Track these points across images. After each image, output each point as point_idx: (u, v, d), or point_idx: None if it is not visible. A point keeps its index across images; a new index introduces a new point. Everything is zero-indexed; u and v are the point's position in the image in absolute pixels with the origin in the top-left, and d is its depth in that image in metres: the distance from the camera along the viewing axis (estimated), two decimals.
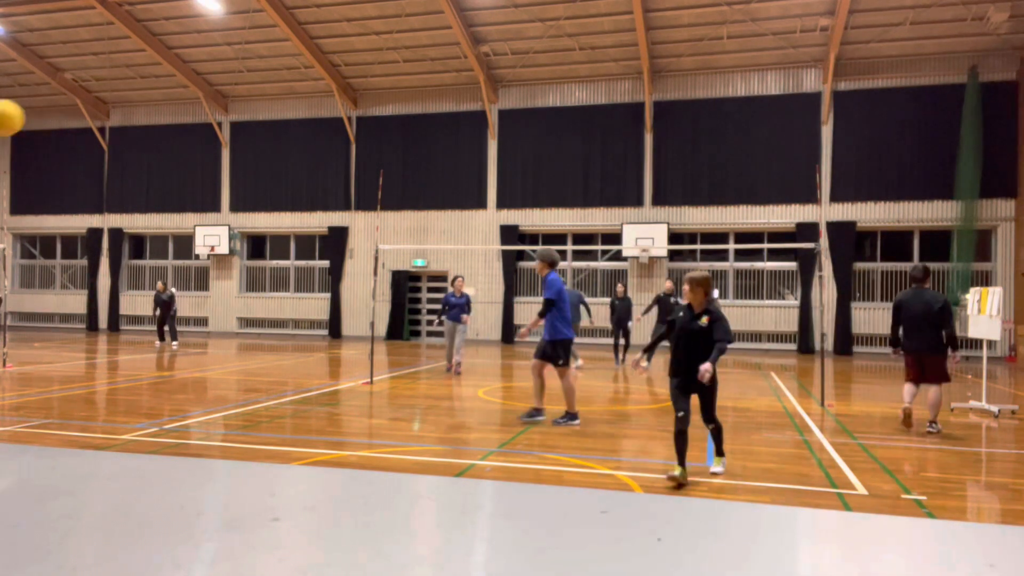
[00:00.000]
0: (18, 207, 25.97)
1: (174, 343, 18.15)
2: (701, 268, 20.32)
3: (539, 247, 20.97)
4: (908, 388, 8.08)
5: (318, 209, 23.08)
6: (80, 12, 20.33)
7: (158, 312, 18.36)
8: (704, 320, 5.66)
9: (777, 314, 19.90)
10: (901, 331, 8.08)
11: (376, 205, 21.14)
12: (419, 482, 1.04)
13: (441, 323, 13.17)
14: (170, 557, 0.77)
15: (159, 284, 18.63)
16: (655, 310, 14.54)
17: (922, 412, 8.44)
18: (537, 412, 8.26)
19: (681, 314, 5.85)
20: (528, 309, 21.07)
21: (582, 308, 13.50)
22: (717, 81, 20.17)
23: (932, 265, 19.14)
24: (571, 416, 8.10)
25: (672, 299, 13.90)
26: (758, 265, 20.38)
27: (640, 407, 9.71)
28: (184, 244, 24.75)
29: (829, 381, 12.71)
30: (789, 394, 11.05)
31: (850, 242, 19.23)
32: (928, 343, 7.87)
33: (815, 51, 19.13)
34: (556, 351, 8.21)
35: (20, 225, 25.92)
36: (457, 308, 12.89)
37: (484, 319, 21.44)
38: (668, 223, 19.92)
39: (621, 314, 15.11)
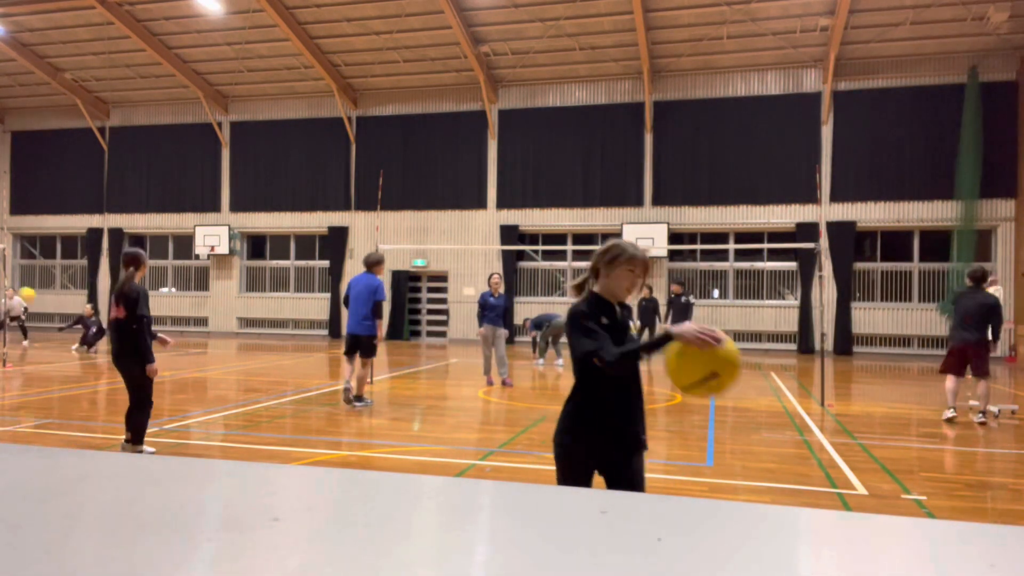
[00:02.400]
0: (18, 207, 25.97)
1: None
2: (701, 268, 20.50)
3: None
4: (950, 383, 8.79)
5: (318, 209, 23.08)
6: (80, 12, 20.32)
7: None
8: None
9: (777, 314, 19.90)
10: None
11: (376, 205, 21.15)
12: (419, 482, 1.04)
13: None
14: (170, 557, 0.77)
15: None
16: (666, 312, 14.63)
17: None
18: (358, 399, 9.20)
19: None
20: (528, 309, 21.05)
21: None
22: (717, 81, 20.16)
23: (932, 265, 19.17)
24: (357, 398, 9.10)
25: (683, 299, 14.04)
26: (758, 265, 20.37)
27: None
28: (184, 244, 24.74)
29: (829, 381, 12.72)
30: (789, 394, 11.05)
31: (850, 242, 19.23)
32: (976, 338, 8.64)
33: (815, 51, 19.13)
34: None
35: (20, 225, 25.92)
36: (498, 310, 11.39)
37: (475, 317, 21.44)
38: (668, 223, 19.93)
39: (648, 315, 15.42)
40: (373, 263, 9.14)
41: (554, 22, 18.82)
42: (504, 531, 0.93)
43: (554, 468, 3.07)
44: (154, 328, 6.37)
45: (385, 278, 21.96)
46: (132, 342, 5.96)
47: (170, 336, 8.19)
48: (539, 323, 15.60)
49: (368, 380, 9.69)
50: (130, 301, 5.95)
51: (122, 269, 6.18)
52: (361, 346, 9.11)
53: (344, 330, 9.75)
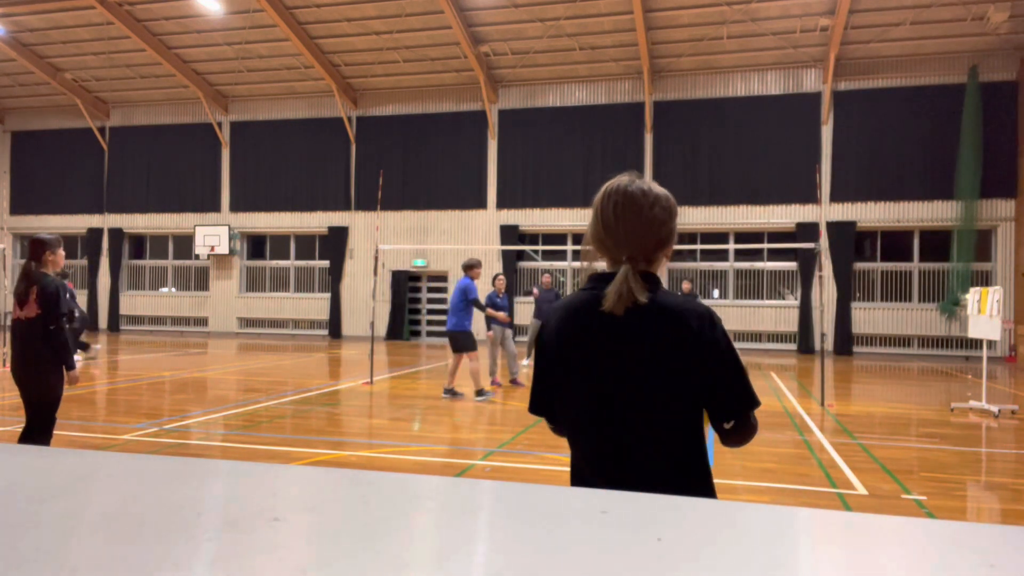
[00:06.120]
0: (18, 207, 25.97)
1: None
2: (701, 268, 20.49)
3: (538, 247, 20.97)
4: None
5: (318, 209, 23.08)
6: (80, 12, 20.32)
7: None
8: None
9: (777, 314, 19.89)
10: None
11: (376, 205, 21.16)
12: (419, 482, 1.04)
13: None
14: (170, 557, 0.77)
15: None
16: None
17: None
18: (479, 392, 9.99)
19: None
20: (528, 308, 21.06)
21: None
22: (717, 81, 20.16)
23: (932, 265, 19.14)
24: (478, 392, 9.89)
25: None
26: (758, 265, 20.37)
27: None
28: (184, 244, 24.74)
29: (829, 381, 12.72)
30: (789, 394, 11.05)
31: (850, 242, 19.23)
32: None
33: (815, 51, 19.13)
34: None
35: (20, 225, 25.92)
36: (504, 310, 11.54)
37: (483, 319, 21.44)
38: None
39: None
40: (466, 267, 10.02)
41: (554, 22, 18.82)
42: (504, 531, 0.93)
43: (554, 468, 3.06)
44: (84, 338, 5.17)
45: (385, 278, 22.02)
46: (47, 346, 4.93)
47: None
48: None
49: (486, 374, 10.34)
50: (48, 297, 4.90)
51: (29, 260, 5.02)
52: (454, 342, 9.90)
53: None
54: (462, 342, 9.88)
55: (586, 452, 1.82)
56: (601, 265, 1.84)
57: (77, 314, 15.04)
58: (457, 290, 9.97)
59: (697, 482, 1.79)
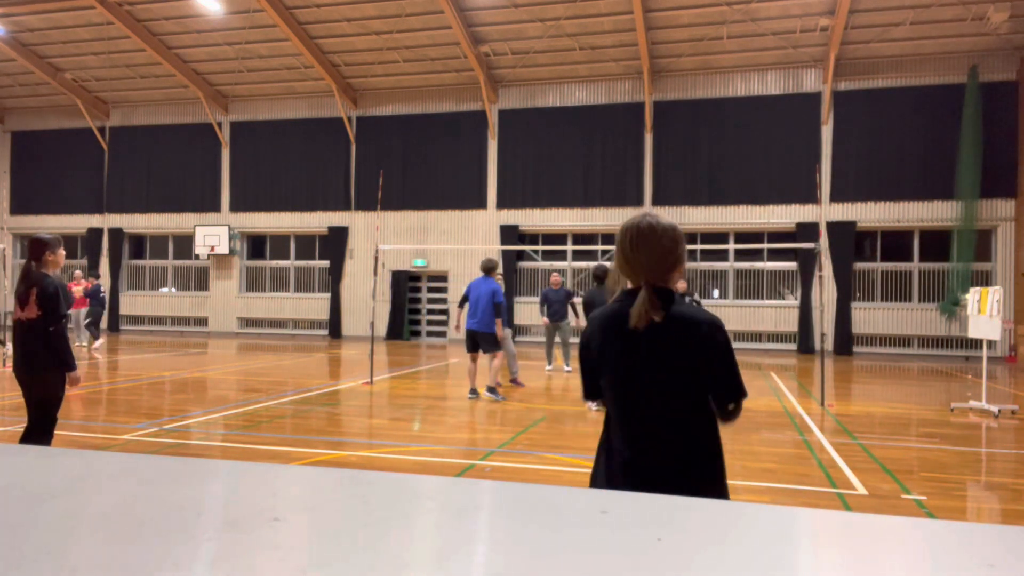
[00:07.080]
0: (18, 207, 25.96)
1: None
2: (701, 268, 20.49)
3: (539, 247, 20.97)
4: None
5: (318, 209, 23.08)
6: (80, 12, 20.32)
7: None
8: None
9: (777, 314, 19.89)
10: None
11: (376, 205, 21.15)
12: (419, 482, 1.04)
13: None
14: (170, 557, 0.77)
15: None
16: None
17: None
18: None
19: None
20: (528, 309, 21.07)
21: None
22: (717, 81, 20.16)
23: (932, 265, 19.14)
24: (490, 390, 10.02)
25: (687, 298, 14.01)
26: (758, 265, 20.37)
27: None
28: (184, 244, 24.74)
29: (829, 381, 12.72)
30: (789, 394, 11.05)
31: (850, 242, 19.23)
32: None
33: (815, 51, 19.13)
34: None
35: (20, 225, 25.92)
36: (556, 304, 13.34)
37: None
38: None
39: None
40: (489, 269, 10.07)
41: (554, 22, 18.82)
42: (504, 531, 0.93)
43: (554, 468, 3.21)
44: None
45: (385, 278, 22.03)
46: (48, 346, 4.92)
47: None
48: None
49: (499, 378, 10.36)
50: (47, 298, 4.87)
51: (28, 260, 5.02)
52: (480, 342, 9.96)
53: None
54: (491, 342, 9.93)
55: (620, 434, 2.25)
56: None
57: (71, 316, 15.52)
58: (486, 292, 9.83)
59: (711, 465, 2.21)
